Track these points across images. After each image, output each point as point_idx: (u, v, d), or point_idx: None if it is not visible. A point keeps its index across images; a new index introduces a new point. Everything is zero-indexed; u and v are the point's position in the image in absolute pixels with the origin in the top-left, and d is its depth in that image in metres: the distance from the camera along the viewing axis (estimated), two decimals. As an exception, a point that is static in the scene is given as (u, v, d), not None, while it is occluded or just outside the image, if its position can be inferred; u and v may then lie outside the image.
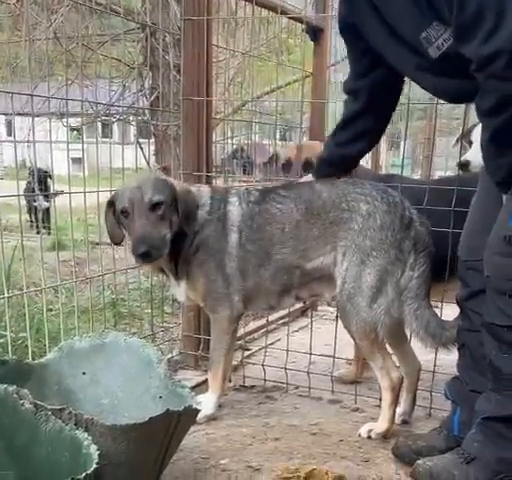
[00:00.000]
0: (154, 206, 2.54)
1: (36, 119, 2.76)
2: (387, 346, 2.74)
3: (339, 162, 2.75)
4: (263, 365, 3.22)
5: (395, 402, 2.65)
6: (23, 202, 7.28)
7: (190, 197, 2.69)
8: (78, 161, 3.07)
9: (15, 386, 1.94)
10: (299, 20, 4.26)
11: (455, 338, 2.45)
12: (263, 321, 4.01)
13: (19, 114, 3.95)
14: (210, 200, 2.73)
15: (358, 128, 2.63)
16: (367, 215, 2.55)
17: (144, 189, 2.57)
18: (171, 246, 2.61)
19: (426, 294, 2.56)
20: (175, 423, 1.97)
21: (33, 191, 6.78)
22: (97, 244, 4.34)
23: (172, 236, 2.58)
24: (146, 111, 5.24)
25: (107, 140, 3.28)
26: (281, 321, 4.26)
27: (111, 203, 2.64)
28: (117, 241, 2.69)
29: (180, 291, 2.80)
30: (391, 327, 2.60)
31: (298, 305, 4.37)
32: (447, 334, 2.48)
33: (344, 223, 2.58)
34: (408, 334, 2.74)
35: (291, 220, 2.66)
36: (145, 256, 2.48)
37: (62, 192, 2.97)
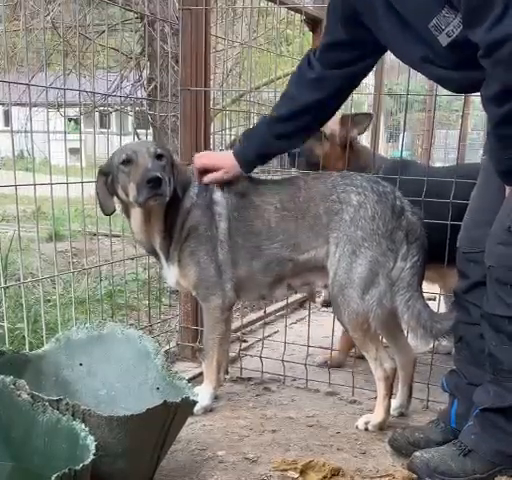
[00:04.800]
0: (158, 156, 2.53)
1: (33, 109, 2.75)
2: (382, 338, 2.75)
3: (266, 156, 2.72)
4: (261, 357, 3.22)
5: (390, 392, 2.65)
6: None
7: (184, 167, 2.74)
8: (75, 151, 3.05)
9: (12, 377, 1.94)
10: (298, 11, 4.25)
11: (446, 330, 2.45)
12: (261, 313, 4.02)
13: (16, 104, 3.94)
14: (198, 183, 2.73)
15: (306, 121, 2.59)
16: (358, 206, 2.54)
17: (146, 143, 2.62)
18: (164, 219, 2.63)
19: (419, 285, 2.56)
20: (172, 414, 1.97)
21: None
22: (94, 235, 4.34)
23: (170, 193, 2.55)
24: (144, 101, 5.22)
25: (105, 130, 3.26)
26: (279, 313, 4.27)
27: (103, 172, 2.62)
28: (108, 211, 2.66)
29: (170, 275, 2.79)
30: (385, 319, 2.60)
31: (296, 297, 4.38)
32: (438, 326, 2.47)
33: (335, 214, 2.58)
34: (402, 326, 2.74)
35: (278, 214, 2.65)
36: (156, 181, 2.42)
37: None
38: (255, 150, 2.66)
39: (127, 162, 2.51)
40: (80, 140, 2.94)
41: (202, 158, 2.74)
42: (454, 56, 2.00)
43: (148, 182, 2.42)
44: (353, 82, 2.58)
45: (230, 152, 2.73)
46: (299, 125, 2.59)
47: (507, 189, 2.04)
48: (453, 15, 1.90)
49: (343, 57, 2.43)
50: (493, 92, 1.85)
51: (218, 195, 2.69)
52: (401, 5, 2.03)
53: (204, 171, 2.70)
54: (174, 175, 2.59)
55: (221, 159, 2.73)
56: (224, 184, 2.70)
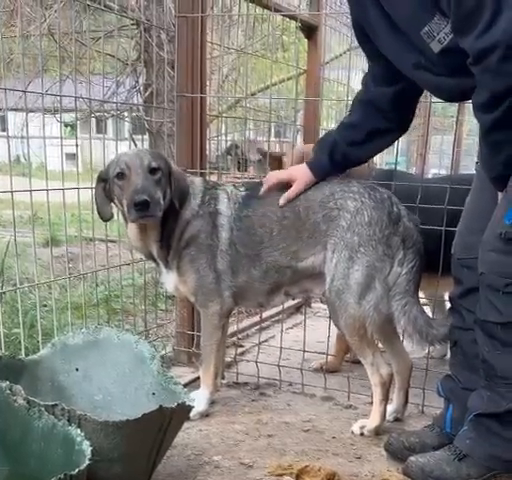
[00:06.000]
0: (152, 170, 2.54)
1: (30, 114, 2.75)
2: (379, 343, 2.75)
3: (341, 163, 2.66)
4: (256, 362, 3.23)
5: (386, 398, 2.66)
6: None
7: (183, 176, 2.73)
8: (72, 157, 3.06)
9: (8, 382, 1.94)
10: (293, 17, 4.27)
11: (442, 336, 2.47)
12: (257, 318, 4.02)
13: (13, 110, 3.94)
14: (201, 193, 2.73)
15: (376, 130, 2.53)
16: (355, 212, 2.55)
17: (141, 155, 2.60)
18: (161, 229, 2.64)
19: (415, 290, 2.57)
20: (168, 419, 1.97)
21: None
22: (91, 240, 4.34)
23: (165, 207, 2.57)
24: (140, 107, 5.22)
25: (101, 136, 3.27)
26: (275, 318, 4.27)
27: (102, 179, 2.63)
28: (106, 217, 2.69)
29: (169, 281, 2.80)
30: (382, 324, 2.61)
31: (292, 302, 4.39)
32: (434, 332, 2.48)
33: (332, 221, 2.58)
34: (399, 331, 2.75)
35: (279, 223, 2.66)
36: (144, 205, 2.44)
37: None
38: (328, 156, 2.61)
39: (120, 176, 2.53)
40: (76, 145, 2.94)
41: (271, 177, 2.73)
42: (447, 63, 2.01)
43: (135, 205, 2.44)
44: (407, 100, 2.50)
45: (301, 164, 2.72)
46: (369, 133, 2.54)
47: (499, 195, 2.05)
48: (445, 22, 1.92)
49: (379, 73, 2.43)
50: (483, 99, 1.87)
51: (224, 206, 2.70)
52: (394, 12, 2.05)
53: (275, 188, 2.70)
54: (171, 186, 2.60)
55: (290, 172, 2.72)
56: (229, 191, 2.73)
